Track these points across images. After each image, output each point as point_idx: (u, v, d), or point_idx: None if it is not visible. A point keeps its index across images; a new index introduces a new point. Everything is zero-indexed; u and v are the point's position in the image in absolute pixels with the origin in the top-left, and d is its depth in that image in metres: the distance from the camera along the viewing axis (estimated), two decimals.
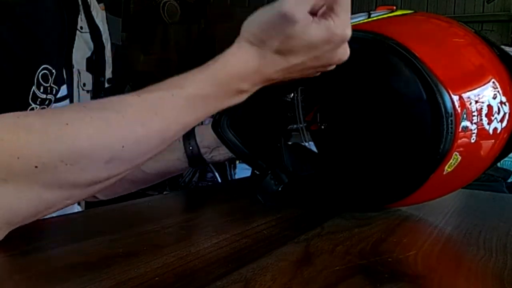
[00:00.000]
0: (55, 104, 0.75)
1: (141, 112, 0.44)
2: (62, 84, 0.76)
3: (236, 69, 0.48)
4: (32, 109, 0.69)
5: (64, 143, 0.41)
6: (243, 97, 0.51)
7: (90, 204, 0.93)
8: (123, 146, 0.43)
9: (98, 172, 0.43)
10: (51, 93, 0.71)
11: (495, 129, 0.58)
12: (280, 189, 0.62)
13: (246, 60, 0.49)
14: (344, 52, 0.52)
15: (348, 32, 0.50)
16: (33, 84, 0.68)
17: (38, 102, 0.69)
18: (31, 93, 0.68)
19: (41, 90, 0.69)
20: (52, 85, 0.71)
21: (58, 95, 0.75)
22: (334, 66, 0.54)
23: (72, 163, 0.41)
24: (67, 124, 0.41)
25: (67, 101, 0.81)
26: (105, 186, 0.45)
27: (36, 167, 0.40)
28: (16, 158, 0.39)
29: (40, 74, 0.69)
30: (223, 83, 0.48)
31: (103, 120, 0.43)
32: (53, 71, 0.71)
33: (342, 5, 0.49)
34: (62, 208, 0.43)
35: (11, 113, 0.42)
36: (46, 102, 0.71)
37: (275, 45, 0.49)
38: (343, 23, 0.49)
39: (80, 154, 0.41)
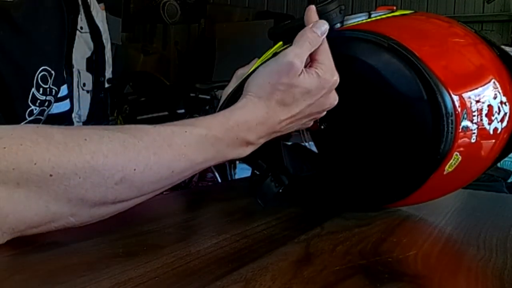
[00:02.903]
0: (55, 104, 0.75)
1: (155, 141, 0.47)
2: (62, 85, 0.76)
3: (244, 118, 0.53)
4: (32, 111, 0.69)
5: (82, 156, 0.42)
6: (248, 150, 0.54)
7: None
8: (135, 169, 0.45)
9: (107, 191, 0.44)
10: (50, 94, 0.71)
11: (496, 129, 0.58)
12: (280, 190, 0.62)
13: (253, 111, 0.53)
14: (334, 98, 0.57)
15: (336, 77, 0.56)
16: (32, 86, 0.68)
17: (37, 104, 0.69)
18: (30, 95, 0.68)
19: (41, 92, 0.69)
20: (51, 86, 0.71)
21: (58, 95, 0.75)
22: (325, 113, 0.58)
23: (85, 177, 0.42)
24: (85, 139, 0.43)
25: (67, 101, 0.81)
26: (108, 213, 0.46)
27: (50, 175, 0.41)
28: (33, 164, 0.40)
29: (39, 75, 0.69)
30: (232, 129, 0.52)
31: (120, 141, 0.45)
32: (52, 72, 0.71)
33: (324, 54, 0.55)
34: (62, 227, 0.44)
35: (31, 124, 0.42)
36: (46, 104, 0.71)
37: (279, 96, 0.54)
38: (329, 69, 0.55)
39: (94, 169, 0.42)
